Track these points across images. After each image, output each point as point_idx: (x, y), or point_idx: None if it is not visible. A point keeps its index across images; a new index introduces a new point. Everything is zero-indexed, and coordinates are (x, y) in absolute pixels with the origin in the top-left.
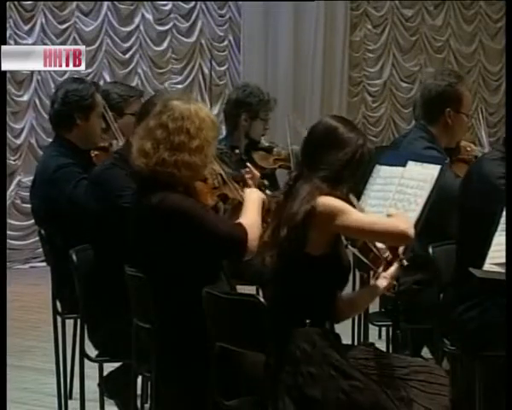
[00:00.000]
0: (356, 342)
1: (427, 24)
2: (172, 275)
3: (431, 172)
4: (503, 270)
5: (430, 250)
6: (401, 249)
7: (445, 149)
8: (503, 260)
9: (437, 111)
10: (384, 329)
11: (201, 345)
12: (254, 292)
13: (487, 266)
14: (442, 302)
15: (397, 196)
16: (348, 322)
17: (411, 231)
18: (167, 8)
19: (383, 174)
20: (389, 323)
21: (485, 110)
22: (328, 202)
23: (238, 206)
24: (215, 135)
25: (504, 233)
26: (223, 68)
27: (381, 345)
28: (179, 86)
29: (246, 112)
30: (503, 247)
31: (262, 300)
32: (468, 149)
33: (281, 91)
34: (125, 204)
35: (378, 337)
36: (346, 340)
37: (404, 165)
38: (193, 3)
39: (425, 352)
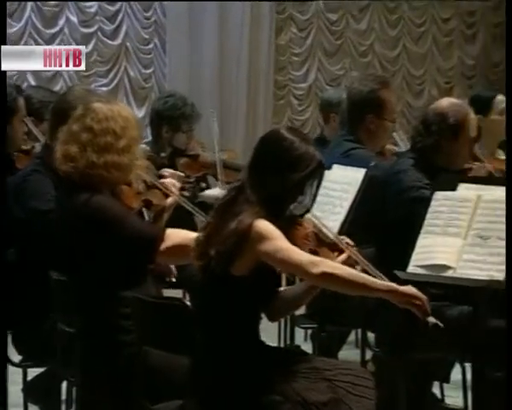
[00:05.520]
0: (282, 345)
1: (351, 28)
2: (96, 277)
3: (356, 175)
4: (426, 272)
5: None
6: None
7: None
8: (427, 262)
9: (359, 117)
10: (310, 331)
11: (127, 349)
12: (181, 295)
13: (411, 269)
14: (368, 305)
15: (322, 200)
16: (274, 325)
17: (314, 271)
18: (92, 10)
19: None
20: (315, 325)
21: (409, 113)
22: (260, 225)
23: (161, 212)
24: (140, 133)
25: (427, 236)
26: (148, 71)
27: (307, 347)
28: (104, 89)
29: (167, 124)
30: (427, 249)
31: (188, 303)
32: (392, 153)
33: (206, 94)
34: (47, 209)
35: (304, 340)
36: (273, 343)
37: (328, 168)
38: (118, 5)
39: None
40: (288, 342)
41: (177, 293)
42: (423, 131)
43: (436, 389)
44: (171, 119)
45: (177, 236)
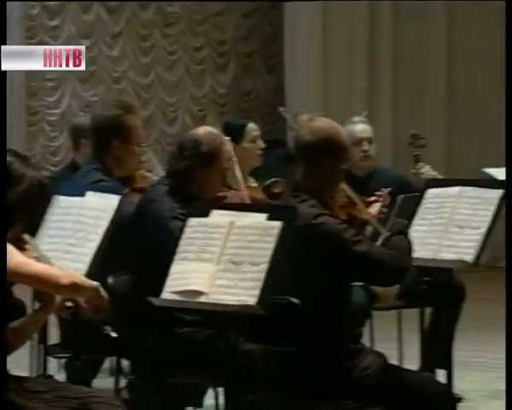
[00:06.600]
0: (34, 375)
1: (104, 54)
2: None
3: (110, 202)
4: (180, 298)
5: (110, 280)
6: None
7: (120, 179)
8: (181, 288)
9: (105, 144)
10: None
11: None
12: None
13: (166, 295)
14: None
15: (76, 227)
16: (25, 354)
17: (64, 281)
18: None
19: (62, 204)
20: (68, 354)
21: (164, 141)
22: None
23: None
24: None
25: (182, 262)
26: None
27: (62, 377)
28: None
29: None
30: (181, 275)
31: None
32: (144, 177)
33: None
34: None
35: (58, 370)
36: (24, 373)
37: (82, 195)
38: None
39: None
40: (41, 371)
41: None
42: (177, 155)
43: None
44: None
45: None
